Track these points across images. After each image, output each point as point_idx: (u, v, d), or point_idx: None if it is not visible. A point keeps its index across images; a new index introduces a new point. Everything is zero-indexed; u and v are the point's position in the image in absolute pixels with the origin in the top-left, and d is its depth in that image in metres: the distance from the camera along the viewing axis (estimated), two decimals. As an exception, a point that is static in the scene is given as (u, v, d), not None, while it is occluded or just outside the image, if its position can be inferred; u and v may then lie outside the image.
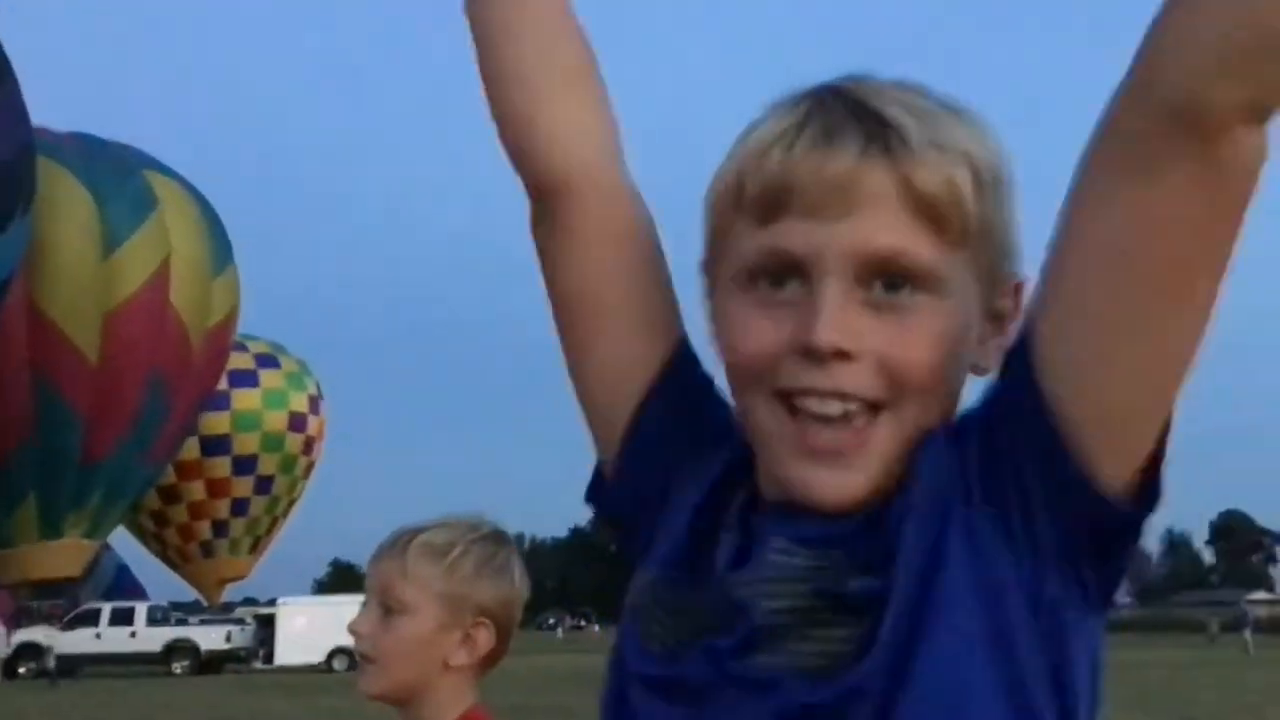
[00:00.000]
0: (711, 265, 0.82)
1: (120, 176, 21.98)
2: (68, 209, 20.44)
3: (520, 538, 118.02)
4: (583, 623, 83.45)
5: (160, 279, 21.83)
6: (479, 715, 1.47)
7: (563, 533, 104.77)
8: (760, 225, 0.75)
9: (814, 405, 0.73)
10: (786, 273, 0.74)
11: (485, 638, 1.45)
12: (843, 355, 0.72)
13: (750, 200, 0.75)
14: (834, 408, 0.73)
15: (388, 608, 1.44)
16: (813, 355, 0.72)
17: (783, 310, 0.74)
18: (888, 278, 0.73)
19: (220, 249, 24.39)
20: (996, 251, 0.77)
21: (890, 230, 0.72)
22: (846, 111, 0.74)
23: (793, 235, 0.73)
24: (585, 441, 0.89)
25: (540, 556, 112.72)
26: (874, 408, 0.73)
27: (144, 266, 21.53)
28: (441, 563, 1.44)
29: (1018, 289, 0.79)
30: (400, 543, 1.46)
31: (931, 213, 0.73)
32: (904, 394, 0.73)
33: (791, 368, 0.73)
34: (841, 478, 0.73)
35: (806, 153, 0.73)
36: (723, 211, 0.79)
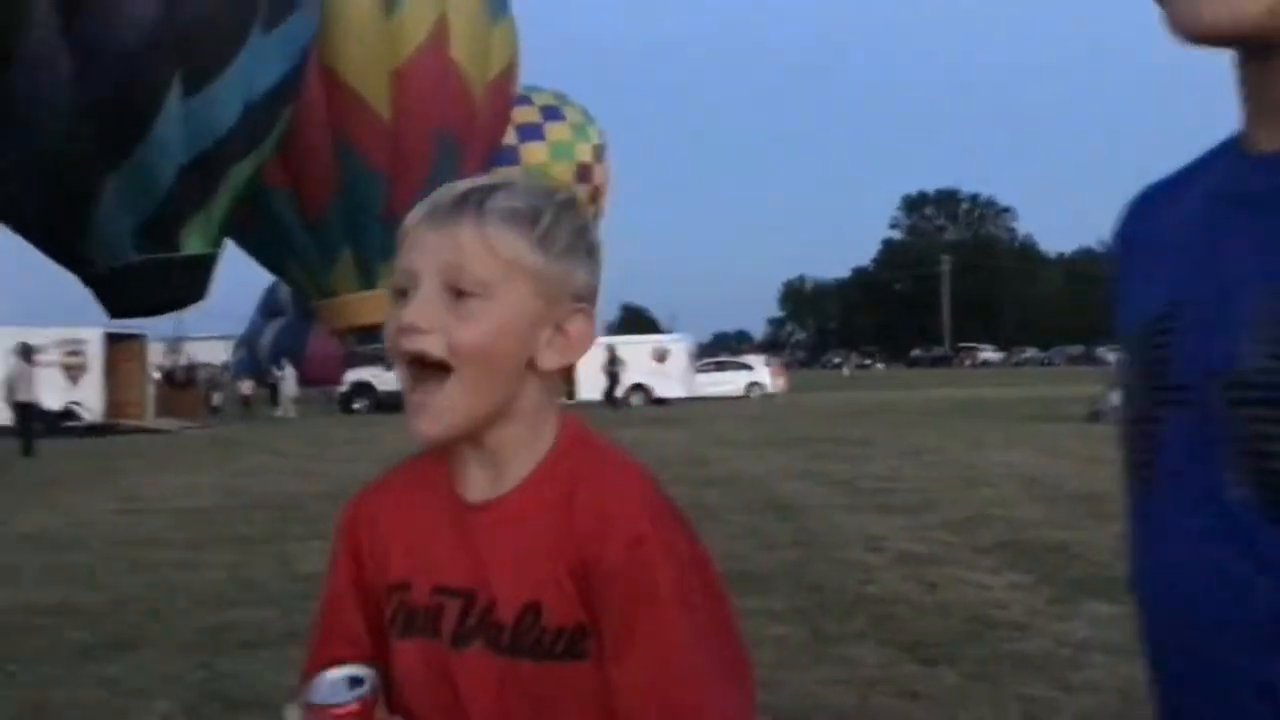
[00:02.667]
0: None
1: (392, -69, 22.05)
2: (348, -31, 20.83)
3: (801, 280, 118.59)
4: (867, 362, 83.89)
5: (440, 33, 22.12)
6: (577, 422, 1.08)
7: (845, 273, 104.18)
8: None
9: None
10: None
11: (582, 329, 1.05)
12: None
13: None
14: None
15: (458, 290, 1.01)
16: None
17: None
18: None
19: (493, -3, 24.34)
20: None
21: None
22: None
23: None
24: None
25: (823, 298, 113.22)
26: None
27: (424, 21, 21.84)
28: (532, 231, 1.03)
29: None
30: (470, 203, 1.04)
31: None
32: None
33: None
34: None
35: None
36: None
